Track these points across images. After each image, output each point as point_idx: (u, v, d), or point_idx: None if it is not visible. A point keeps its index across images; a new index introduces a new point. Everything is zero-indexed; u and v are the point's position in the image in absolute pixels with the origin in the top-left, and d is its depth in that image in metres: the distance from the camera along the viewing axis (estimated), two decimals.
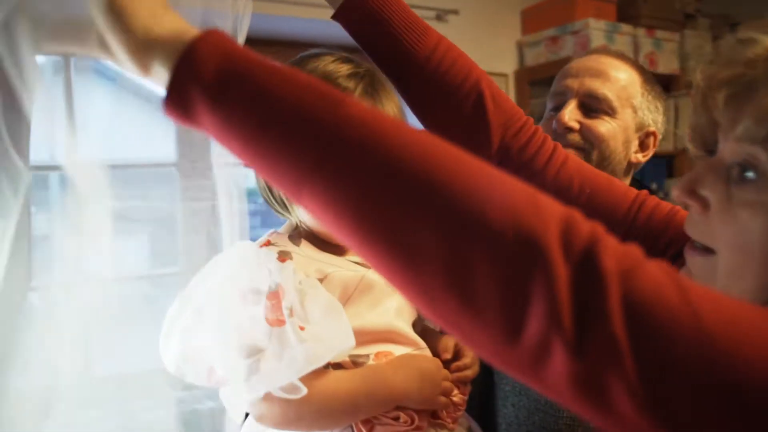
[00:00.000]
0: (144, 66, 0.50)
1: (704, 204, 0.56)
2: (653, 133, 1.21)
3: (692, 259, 0.59)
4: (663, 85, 3.13)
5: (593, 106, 1.15)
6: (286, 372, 0.68)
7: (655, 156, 3.01)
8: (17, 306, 0.71)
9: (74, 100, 0.73)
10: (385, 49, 0.81)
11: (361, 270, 0.81)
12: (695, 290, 0.42)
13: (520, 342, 0.41)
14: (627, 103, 1.16)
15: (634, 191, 0.79)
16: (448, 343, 0.88)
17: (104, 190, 0.63)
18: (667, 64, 2.93)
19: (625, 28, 2.75)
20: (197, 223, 0.76)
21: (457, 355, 0.87)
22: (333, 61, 0.79)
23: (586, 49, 2.63)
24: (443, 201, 0.43)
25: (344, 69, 0.79)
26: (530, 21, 2.92)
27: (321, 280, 0.76)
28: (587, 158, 1.14)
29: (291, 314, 0.70)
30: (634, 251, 0.44)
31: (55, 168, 0.66)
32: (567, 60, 2.64)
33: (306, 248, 0.80)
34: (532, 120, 0.85)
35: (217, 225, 0.71)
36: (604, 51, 1.25)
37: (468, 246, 0.42)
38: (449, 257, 0.42)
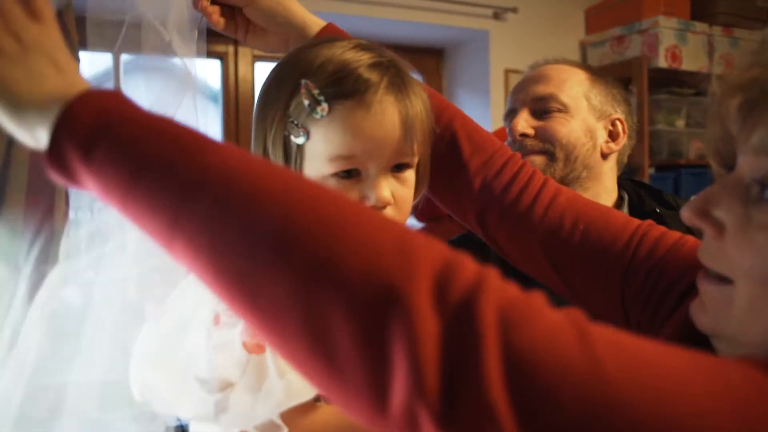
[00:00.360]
0: (30, 135, 0.49)
1: (719, 227, 0.50)
2: (619, 120, 1.18)
3: (706, 288, 0.52)
4: None
5: (543, 107, 1.14)
6: (262, 408, 0.60)
7: (699, 165, 2.81)
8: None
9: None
10: None
11: None
12: (601, 337, 0.38)
13: (387, 412, 0.36)
14: (577, 95, 1.15)
15: (636, 222, 0.72)
16: None
17: None
18: None
19: (699, 26, 2.56)
20: None
21: None
22: (351, 48, 0.68)
23: (654, 51, 2.46)
24: (298, 251, 0.40)
25: (365, 58, 0.67)
26: (595, 19, 2.76)
27: None
28: (552, 159, 1.13)
29: None
30: (530, 298, 0.39)
31: None
32: (633, 62, 2.51)
33: None
34: (517, 155, 0.81)
35: None
36: (544, 62, 1.25)
37: (323, 301, 0.38)
38: (306, 315, 0.38)
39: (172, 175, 0.43)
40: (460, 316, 0.37)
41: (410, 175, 0.72)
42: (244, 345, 0.62)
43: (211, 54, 2.28)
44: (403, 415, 0.36)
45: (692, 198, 0.53)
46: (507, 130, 1.20)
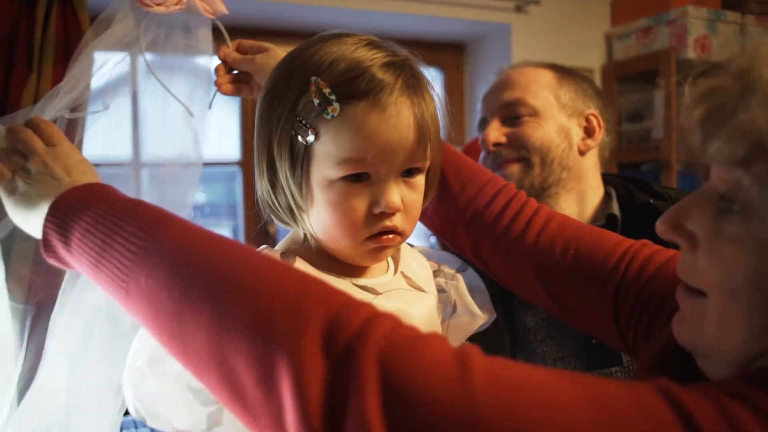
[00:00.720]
0: (35, 232, 0.64)
1: (692, 240, 0.50)
2: (592, 115, 1.16)
3: (682, 302, 0.52)
4: None
5: (512, 113, 1.13)
6: None
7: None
8: None
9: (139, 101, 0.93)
10: None
11: (368, 297, 0.68)
12: (482, 373, 0.40)
13: None
14: (546, 96, 1.13)
15: (629, 242, 0.72)
16: None
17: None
18: None
19: (731, 15, 2.47)
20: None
21: None
22: (363, 46, 0.64)
23: (682, 42, 2.38)
24: (208, 311, 0.46)
25: (379, 56, 0.64)
26: (621, 10, 2.68)
27: None
28: (528, 166, 1.11)
29: None
30: (422, 339, 0.43)
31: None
32: (660, 53, 2.43)
33: (301, 269, 0.67)
34: (511, 185, 0.83)
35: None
36: (509, 66, 1.23)
37: (231, 357, 0.44)
38: (220, 370, 0.45)
39: (133, 239, 0.53)
40: (343, 361, 0.41)
41: (420, 180, 0.69)
42: None
43: None
44: None
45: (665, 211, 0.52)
46: (480, 141, 1.18)
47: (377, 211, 0.65)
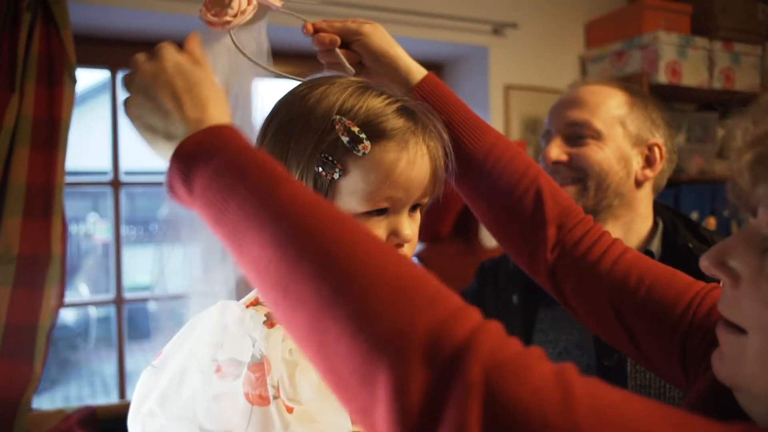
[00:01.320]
0: (164, 157, 0.61)
1: (734, 277, 0.51)
2: (656, 145, 1.14)
3: (723, 338, 0.53)
4: (741, 103, 2.92)
5: (577, 133, 1.13)
6: None
7: (699, 182, 2.79)
8: None
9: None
10: None
11: None
12: (585, 398, 0.41)
13: None
14: (613, 121, 1.12)
15: (700, 284, 0.73)
16: None
17: None
18: (746, 80, 2.69)
19: (700, 41, 2.55)
20: None
21: None
22: (366, 92, 0.68)
23: (654, 66, 2.45)
24: (320, 280, 0.46)
25: (389, 101, 0.68)
26: (595, 34, 2.75)
27: None
28: (585, 188, 1.11)
29: (277, 393, 0.60)
30: (524, 355, 0.43)
31: None
32: (633, 77, 2.49)
33: None
34: (590, 217, 0.84)
35: None
36: (582, 81, 1.22)
37: (331, 332, 0.44)
38: (316, 339, 0.45)
39: (248, 204, 0.52)
40: (447, 370, 0.40)
41: (420, 213, 0.74)
42: (246, 396, 0.61)
43: None
44: None
45: (712, 247, 0.54)
46: (540, 155, 1.18)
47: (394, 242, 0.69)
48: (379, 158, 0.66)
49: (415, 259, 2.07)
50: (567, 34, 2.75)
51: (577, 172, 1.11)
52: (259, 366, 0.61)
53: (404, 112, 0.68)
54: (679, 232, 1.13)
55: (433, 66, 2.75)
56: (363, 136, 0.65)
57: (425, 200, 0.72)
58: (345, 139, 0.65)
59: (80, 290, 5.63)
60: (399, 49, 0.82)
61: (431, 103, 0.80)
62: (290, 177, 0.54)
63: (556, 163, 1.13)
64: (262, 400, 0.60)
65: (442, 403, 0.40)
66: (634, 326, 0.74)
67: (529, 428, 0.38)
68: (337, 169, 0.66)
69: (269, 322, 0.64)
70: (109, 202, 2.20)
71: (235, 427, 0.60)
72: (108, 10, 1.90)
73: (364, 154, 0.65)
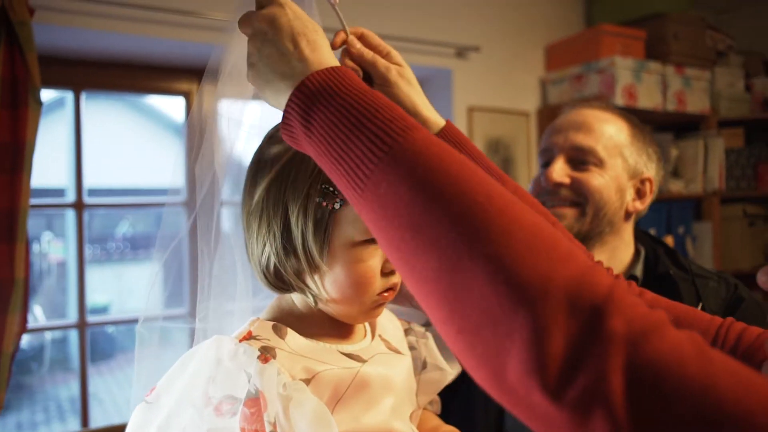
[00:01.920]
0: (276, 102, 0.62)
1: None
2: (648, 179, 1.18)
3: None
4: (692, 124, 3.06)
5: (581, 158, 1.14)
6: None
7: (684, 199, 2.90)
8: None
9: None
10: None
11: (355, 366, 0.71)
12: (718, 357, 0.41)
13: (504, 382, 0.42)
14: (615, 152, 1.14)
15: (719, 320, 0.73)
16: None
17: None
18: (697, 103, 2.81)
19: (653, 65, 2.65)
20: None
21: None
22: None
23: (611, 89, 2.54)
24: (456, 224, 0.46)
25: None
26: (554, 58, 2.84)
27: (308, 381, 0.66)
28: (583, 213, 1.13)
29: (274, 428, 0.60)
30: (655, 314, 0.43)
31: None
32: (592, 99, 2.57)
33: (293, 340, 0.69)
34: (611, 269, 0.84)
35: None
36: (588, 104, 1.23)
37: (463, 280, 0.44)
38: (444, 285, 0.45)
39: (379, 142, 0.51)
40: (590, 321, 0.41)
41: None
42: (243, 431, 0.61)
43: (175, 92, 2.27)
44: (518, 386, 0.41)
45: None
46: (540, 170, 1.20)
47: (388, 270, 0.71)
48: None
49: None
50: (528, 58, 2.83)
51: (578, 196, 1.13)
52: (255, 401, 0.61)
53: None
54: (660, 259, 1.15)
55: None
56: None
57: None
58: None
59: (35, 312, 5.45)
60: (420, 98, 0.81)
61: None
62: (417, 123, 0.53)
63: (558, 184, 1.14)
64: None
65: (585, 352, 0.40)
66: None
67: (669, 380, 0.39)
68: (337, 200, 0.67)
69: (263, 357, 0.65)
70: (64, 221, 2.16)
71: None
72: (71, 31, 1.87)
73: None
